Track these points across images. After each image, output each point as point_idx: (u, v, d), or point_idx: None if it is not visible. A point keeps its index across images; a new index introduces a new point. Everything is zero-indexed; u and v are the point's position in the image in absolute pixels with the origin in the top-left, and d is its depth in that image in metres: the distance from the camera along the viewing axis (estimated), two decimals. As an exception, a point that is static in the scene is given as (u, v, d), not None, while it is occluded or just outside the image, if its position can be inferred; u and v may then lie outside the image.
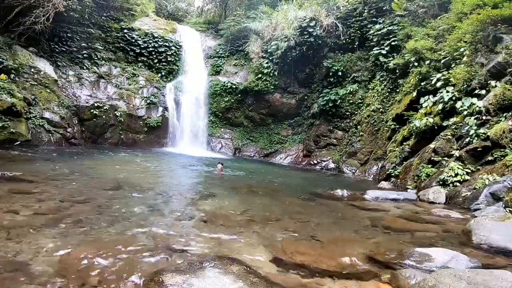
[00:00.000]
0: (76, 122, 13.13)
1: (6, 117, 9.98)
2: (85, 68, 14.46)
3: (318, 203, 6.21)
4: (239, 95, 16.51)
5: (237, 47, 17.70)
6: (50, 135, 11.52)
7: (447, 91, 8.42)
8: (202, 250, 3.16)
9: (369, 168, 12.02)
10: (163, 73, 16.52)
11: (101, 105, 13.62)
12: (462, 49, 8.62)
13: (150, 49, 16.35)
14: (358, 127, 13.49)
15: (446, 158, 7.55)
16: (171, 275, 2.40)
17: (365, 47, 14.41)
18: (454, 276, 2.45)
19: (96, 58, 14.87)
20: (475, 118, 7.29)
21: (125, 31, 16.03)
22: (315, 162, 14.13)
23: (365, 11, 14.36)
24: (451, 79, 8.51)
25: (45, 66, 12.70)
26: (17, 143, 10.13)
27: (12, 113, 10.15)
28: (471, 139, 7.12)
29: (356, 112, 14.03)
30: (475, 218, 4.64)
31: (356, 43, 14.91)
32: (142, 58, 16.26)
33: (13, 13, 11.37)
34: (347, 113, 14.29)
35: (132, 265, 2.71)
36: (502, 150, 6.43)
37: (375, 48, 13.23)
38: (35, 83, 11.96)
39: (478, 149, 6.88)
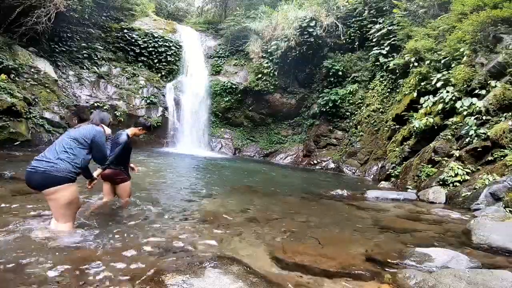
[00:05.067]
0: (76, 122, 13.10)
1: (6, 117, 9.96)
2: (85, 68, 14.44)
3: (318, 203, 6.21)
4: (239, 95, 16.51)
5: (237, 47, 17.69)
6: (50, 135, 11.50)
7: (447, 91, 8.42)
8: (202, 250, 3.16)
9: (369, 168, 12.01)
10: (163, 73, 16.50)
11: (101, 105, 13.61)
12: (462, 49, 8.61)
13: (150, 49, 16.31)
14: (358, 127, 13.49)
15: (446, 158, 7.55)
16: (171, 275, 2.40)
17: (365, 47, 14.41)
18: (454, 276, 2.45)
19: (96, 58, 14.85)
20: (475, 118, 7.30)
21: (125, 31, 15.99)
22: (315, 162, 14.13)
23: (365, 11, 14.36)
24: (451, 79, 8.51)
25: (45, 66, 12.68)
26: (17, 143, 10.10)
27: (12, 113, 10.12)
28: (471, 139, 7.12)
29: (356, 112, 14.03)
30: (475, 218, 4.64)
31: (356, 43, 14.92)
32: (142, 58, 16.22)
33: (15, 13, 11.35)
34: (347, 113, 14.29)
35: (131, 265, 2.71)
36: (502, 150, 6.44)
37: (375, 48, 13.23)
38: (35, 83, 11.94)
39: (478, 149, 6.88)
